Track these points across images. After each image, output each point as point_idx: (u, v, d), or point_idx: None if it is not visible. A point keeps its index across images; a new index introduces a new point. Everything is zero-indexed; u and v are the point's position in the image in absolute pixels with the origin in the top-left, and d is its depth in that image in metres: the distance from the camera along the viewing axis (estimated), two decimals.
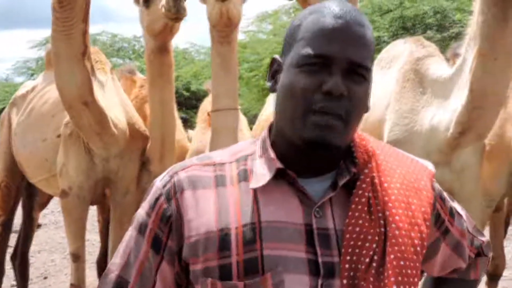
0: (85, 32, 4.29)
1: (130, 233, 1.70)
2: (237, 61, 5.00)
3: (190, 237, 1.58)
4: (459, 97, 3.95)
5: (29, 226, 6.89)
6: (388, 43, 11.93)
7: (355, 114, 1.58)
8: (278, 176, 1.60)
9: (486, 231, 5.63)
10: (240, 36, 18.26)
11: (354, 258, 1.54)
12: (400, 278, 1.54)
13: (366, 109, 1.64)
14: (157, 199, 1.65)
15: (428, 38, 11.06)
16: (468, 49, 3.87)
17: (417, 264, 1.60)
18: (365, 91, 1.60)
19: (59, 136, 5.18)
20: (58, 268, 8.82)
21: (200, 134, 6.05)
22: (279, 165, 1.60)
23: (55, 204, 12.27)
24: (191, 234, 1.58)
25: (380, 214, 1.59)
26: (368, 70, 1.59)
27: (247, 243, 1.54)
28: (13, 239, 7.12)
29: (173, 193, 1.63)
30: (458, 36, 3.99)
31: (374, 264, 1.54)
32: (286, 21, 17.74)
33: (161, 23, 4.67)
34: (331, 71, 1.55)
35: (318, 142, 1.55)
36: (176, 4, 4.39)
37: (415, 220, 1.63)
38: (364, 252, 1.55)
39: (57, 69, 4.42)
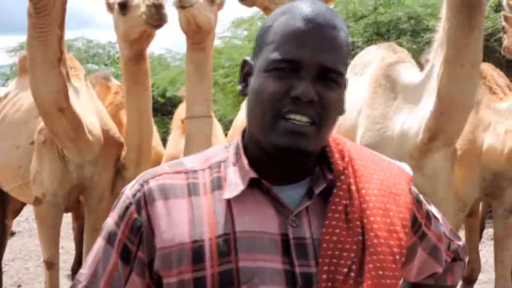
0: (61, 38, 4.28)
1: (99, 243, 1.64)
2: (212, 68, 5.01)
3: (162, 249, 1.52)
4: (428, 103, 3.98)
5: (2, 234, 6.82)
6: (362, 48, 11.97)
7: (327, 119, 1.53)
8: (252, 185, 1.55)
9: (461, 235, 5.69)
10: (216, 42, 18.19)
11: (332, 268, 1.50)
12: None
13: (341, 112, 1.60)
14: (126, 208, 1.59)
15: (402, 44, 11.16)
16: (436, 56, 3.91)
17: (396, 273, 1.56)
18: (338, 96, 1.54)
19: (32, 143, 5.16)
20: (33, 276, 8.75)
21: (174, 141, 6.06)
22: (252, 174, 1.55)
23: (29, 212, 12.16)
24: (163, 245, 1.52)
25: (357, 222, 1.55)
26: (341, 75, 1.54)
27: (221, 254, 1.49)
28: None
29: (144, 203, 1.57)
30: (432, 42, 4.04)
31: (352, 274, 1.50)
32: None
33: (139, 30, 4.66)
34: (301, 76, 1.50)
35: (289, 148, 1.50)
36: (158, 11, 4.39)
37: (394, 228, 1.59)
38: (342, 261, 1.51)
39: (33, 75, 4.40)
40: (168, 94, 17.86)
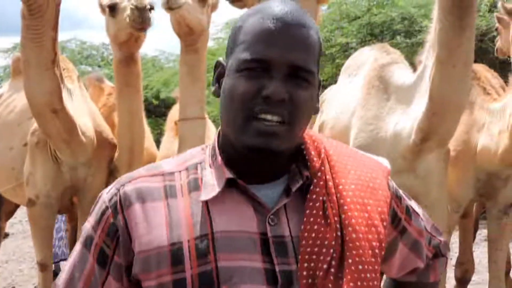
0: (54, 40, 4.27)
1: (77, 247, 1.64)
2: (205, 70, 5.01)
3: (141, 253, 1.52)
4: (420, 104, 3.98)
5: None
6: (356, 49, 11.98)
7: (299, 118, 1.53)
8: (229, 185, 1.55)
9: (455, 236, 5.70)
10: (209, 43, 18.18)
11: (312, 265, 1.50)
12: (359, 283, 1.51)
13: (314, 110, 1.60)
14: (103, 212, 1.59)
15: (396, 45, 11.18)
16: (428, 56, 3.90)
17: (376, 267, 1.56)
18: (310, 95, 1.55)
19: (25, 144, 5.15)
20: (26, 278, 8.74)
21: (168, 142, 6.07)
22: (228, 175, 1.55)
23: (23, 213, 12.14)
24: (141, 249, 1.52)
25: (336, 218, 1.55)
26: (312, 73, 1.55)
27: (200, 256, 1.49)
28: None
29: (120, 207, 1.56)
30: (425, 43, 4.04)
31: (332, 270, 1.51)
32: None
33: (126, 33, 4.68)
34: (271, 76, 1.50)
35: (260, 149, 1.51)
36: (141, 14, 4.39)
37: (372, 222, 1.59)
38: (321, 258, 1.51)
39: (27, 77, 4.40)
40: (162, 95, 17.83)
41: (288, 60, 1.51)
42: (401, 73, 4.51)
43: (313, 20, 1.61)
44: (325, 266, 1.51)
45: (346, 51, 13.49)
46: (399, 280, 1.94)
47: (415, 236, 1.82)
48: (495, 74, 5.30)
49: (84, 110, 5.09)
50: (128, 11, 4.47)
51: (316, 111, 1.61)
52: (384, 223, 1.63)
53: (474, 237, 6.36)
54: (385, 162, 1.78)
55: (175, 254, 1.50)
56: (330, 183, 1.59)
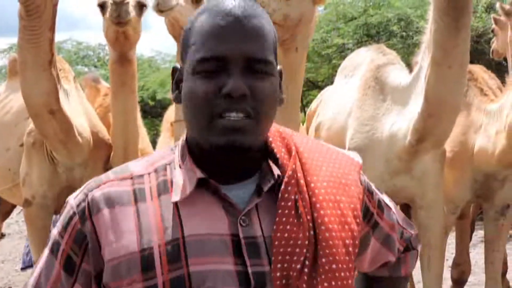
0: (52, 40, 4.27)
1: (45, 253, 1.61)
2: None
3: (111, 261, 1.49)
4: (416, 105, 3.97)
5: None
6: (352, 50, 11.99)
7: (264, 110, 1.51)
8: (200, 186, 1.52)
9: (451, 237, 5.70)
10: None
11: (285, 265, 1.48)
12: (333, 283, 1.50)
13: (280, 102, 1.58)
14: (70, 219, 1.55)
15: (392, 45, 11.18)
16: (424, 57, 3.90)
17: (350, 265, 1.55)
18: (271, 85, 1.53)
19: (22, 145, 5.15)
20: (23, 279, 8.70)
21: (164, 143, 6.06)
22: (199, 174, 1.52)
23: (19, 214, 12.15)
24: (112, 257, 1.49)
25: (308, 217, 1.53)
26: (270, 63, 1.52)
27: (171, 261, 1.46)
28: None
29: (88, 213, 1.53)
30: (421, 44, 4.05)
31: (306, 270, 1.48)
32: None
33: (112, 30, 4.66)
34: (229, 72, 1.48)
35: (228, 146, 1.48)
36: (117, 8, 4.37)
37: (345, 219, 1.57)
38: (295, 258, 1.49)
39: (24, 77, 4.39)
40: (158, 96, 17.84)
41: (243, 53, 1.49)
42: (397, 74, 4.51)
43: (263, 10, 1.59)
44: (298, 266, 1.48)
45: (343, 51, 13.52)
46: (371, 275, 1.94)
47: (387, 230, 1.81)
48: (492, 75, 5.29)
49: (81, 110, 5.08)
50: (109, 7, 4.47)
51: (281, 102, 1.59)
52: (357, 220, 1.61)
53: (471, 238, 6.36)
54: (356, 157, 1.75)
55: (146, 260, 1.47)
56: (302, 181, 1.57)
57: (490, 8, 11.74)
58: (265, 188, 1.54)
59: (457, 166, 4.74)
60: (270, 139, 1.62)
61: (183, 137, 1.64)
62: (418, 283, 6.21)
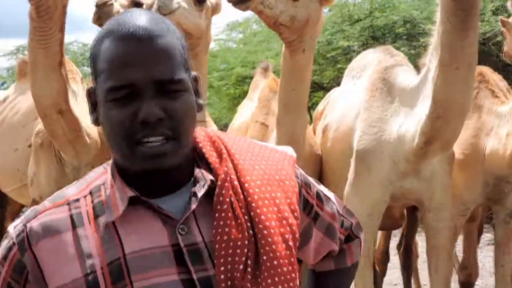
0: (61, 41, 4.29)
1: None
2: (206, 73, 4.98)
3: None
4: (424, 107, 3.97)
5: (1, 236, 6.84)
6: (358, 52, 11.96)
7: (183, 129, 1.51)
8: (134, 202, 1.53)
9: (459, 240, 5.69)
10: (211, 45, 18.21)
11: (229, 267, 1.49)
12: (276, 278, 1.52)
13: (198, 109, 1.58)
14: (9, 249, 1.55)
15: (398, 48, 11.15)
16: (432, 59, 3.89)
17: (292, 259, 1.57)
18: (186, 102, 1.52)
19: (30, 145, 5.17)
20: None
21: None
22: (130, 193, 1.52)
23: None
24: (56, 285, 1.50)
25: (246, 217, 1.54)
26: (180, 81, 1.51)
27: (115, 281, 1.47)
28: None
29: (28, 244, 1.53)
30: (428, 46, 4.02)
31: (249, 270, 1.50)
32: (256, 30, 17.72)
33: None
34: (142, 98, 1.47)
35: (154, 170, 1.51)
36: (98, 10, 4.35)
37: (282, 215, 1.59)
38: (237, 259, 1.50)
39: (34, 78, 4.39)
40: None
41: (151, 77, 1.48)
42: (405, 76, 4.51)
43: (167, 22, 1.58)
44: (241, 266, 1.50)
45: (348, 54, 13.47)
46: (318, 270, 1.96)
47: (328, 220, 1.83)
48: (500, 76, 5.29)
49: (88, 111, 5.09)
50: None
51: (200, 108, 1.60)
52: (295, 214, 1.62)
53: (479, 241, 6.35)
54: (290, 151, 1.76)
55: (91, 284, 1.48)
56: (236, 183, 1.58)
57: (498, 11, 11.70)
58: (200, 194, 1.54)
59: (468, 168, 4.73)
60: (200, 144, 1.63)
61: (112, 156, 1.62)
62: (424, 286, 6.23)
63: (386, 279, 6.70)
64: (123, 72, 1.48)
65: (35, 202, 4.98)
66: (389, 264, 6.68)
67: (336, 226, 1.86)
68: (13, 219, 7.05)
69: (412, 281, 6.74)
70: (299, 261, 1.70)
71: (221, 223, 1.53)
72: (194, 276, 1.49)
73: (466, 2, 3.41)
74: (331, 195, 1.87)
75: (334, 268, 1.94)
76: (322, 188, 1.85)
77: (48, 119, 4.53)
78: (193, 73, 1.61)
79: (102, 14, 4.10)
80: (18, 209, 7.00)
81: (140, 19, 1.52)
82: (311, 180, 1.81)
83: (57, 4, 4.06)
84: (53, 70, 4.29)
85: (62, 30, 4.22)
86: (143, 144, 1.48)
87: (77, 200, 1.58)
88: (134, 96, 1.48)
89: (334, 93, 5.77)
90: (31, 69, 4.36)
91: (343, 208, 1.91)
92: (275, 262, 1.53)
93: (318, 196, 1.80)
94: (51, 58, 4.25)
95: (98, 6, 4.13)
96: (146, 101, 1.47)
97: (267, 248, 1.53)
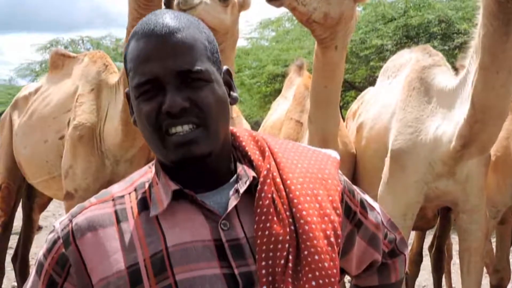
0: None
1: (32, 272, 1.68)
2: (233, 69, 4.94)
3: (100, 281, 1.54)
4: (462, 110, 3.94)
5: (29, 228, 6.89)
6: (391, 51, 11.86)
7: (212, 116, 1.55)
8: (178, 197, 1.57)
9: (492, 243, 5.62)
10: (243, 43, 18.26)
11: (270, 262, 1.52)
12: (317, 273, 1.53)
13: (233, 101, 1.65)
14: (54, 242, 1.61)
15: (433, 48, 11.06)
16: (471, 62, 3.84)
17: (333, 255, 1.57)
18: (212, 91, 1.56)
19: (61, 138, 5.18)
20: None
21: None
22: (174, 186, 1.57)
23: (56, 207, 12.25)
24: (100, 278, 1.54)
25: (287, 213, 1.57)
26: (202, 72, 1.55)
27: (157, 273, 1.51)
28: (14, 241, 7.11)
29: (72, 238, 1.58)
30: (462, 46, 3.94)
31: (290, 264, 1.52)
32: (289, 28, 17.75)
33: None
34: (165, 90, 1.53)
35: (185, 159, 1.54)
36: None
37: (324, 211, 1.61)
38: (278, 254, 1.52)
39: None
40: None
41: (172, 69, 1.54)
42: (443, 77, 4.45)
43: (191, 18, 1.63)
44: (282, 261, 1.52)
45: (381, 53, 13.41)
46: (362, 285, 1.97)
47: (372, 229, 1.84)
48: None
49: None
50: None
51: (234, 101, 1.66)
52: (337, 211, 1.64)
53: (511, 244, 6.28)
54: (333, 154, 1.79)
55: (134, 275, 1.52)
56: (278, 179, 1.61)
57: None
58: (242, 190, 1.58)
59: (500, 170, 4.69)
60: (244, 143, 1.68)
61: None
62: None
63: None
64: (146, 67, 1.55)
65: (69, 195, 4.99)
66: None
67: (380, 237, 1.87)
68: (40, 211, 7.10)
69: (444, 282, 6.68)
70: (341, 272, 1.71)
71: (263, 218, 1.55)
72: (236, 271, 1.52)
73: (508, 5, 3.36)
74: (375, 205, 1.89)
75: (378, 283, 1.95)
76: (366, 197, 1.86)
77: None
78: (225, 66, 1.66)
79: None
80: (46, 202, 7.03)
81: (162, 17, 1.58)
82: (355, 187, 1.82)
83: None
84: None
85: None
86: (171, 135, 1.54)
87: (122, 196, 1.64)
88: (158, 90, 1.54)
89: (368, 92, 5.73)
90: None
91: (387, 221, 1.93)
92: (316, 257, 1.54)
93: (362, 204, 1.82)
94: None
95: None
96: (169, 93, 1.53)
97: (308, 243, 1.55)
